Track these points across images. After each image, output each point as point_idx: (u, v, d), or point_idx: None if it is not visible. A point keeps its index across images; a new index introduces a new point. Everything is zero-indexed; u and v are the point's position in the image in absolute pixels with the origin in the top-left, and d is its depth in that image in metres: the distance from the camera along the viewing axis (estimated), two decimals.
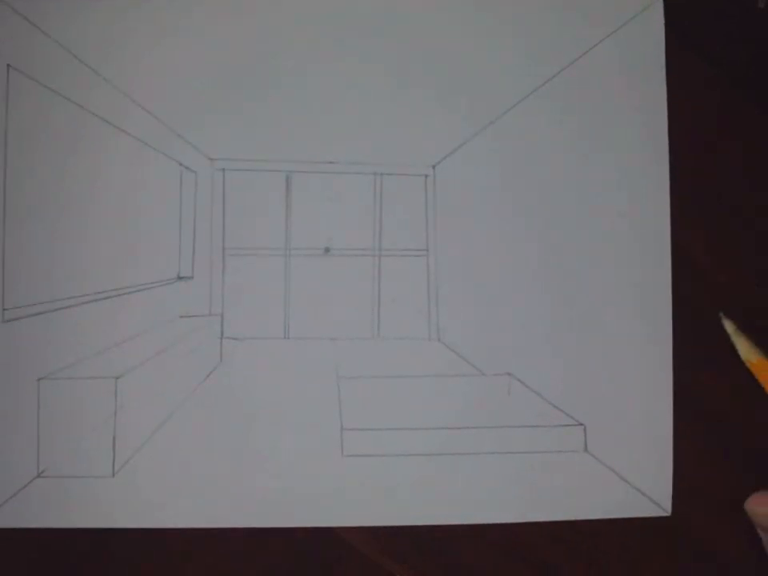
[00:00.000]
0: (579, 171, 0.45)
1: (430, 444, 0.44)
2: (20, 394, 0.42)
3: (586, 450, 0.44)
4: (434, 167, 0.46)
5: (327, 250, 0.45)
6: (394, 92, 0.45)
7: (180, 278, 0.47)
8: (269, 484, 0.43)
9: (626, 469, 0.43)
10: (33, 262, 0.43)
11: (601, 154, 0.45)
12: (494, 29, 0.46)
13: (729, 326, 0.38)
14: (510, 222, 0.46)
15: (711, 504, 0.43)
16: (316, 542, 0.43)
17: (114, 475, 0.42)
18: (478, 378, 0.45)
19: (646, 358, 0.44)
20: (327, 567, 0.43)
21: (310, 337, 0.46)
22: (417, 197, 0.46)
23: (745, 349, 0.37)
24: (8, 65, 0.42)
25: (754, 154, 0.44)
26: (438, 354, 0.46)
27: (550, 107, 0.46)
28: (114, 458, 0.42)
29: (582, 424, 0.44)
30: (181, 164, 0.46)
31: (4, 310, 0.42)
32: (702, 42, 0.46)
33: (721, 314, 0.37)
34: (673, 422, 0.44)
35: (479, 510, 0.43)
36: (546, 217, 0.45)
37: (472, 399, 0.45)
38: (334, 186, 0.45)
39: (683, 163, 0.45)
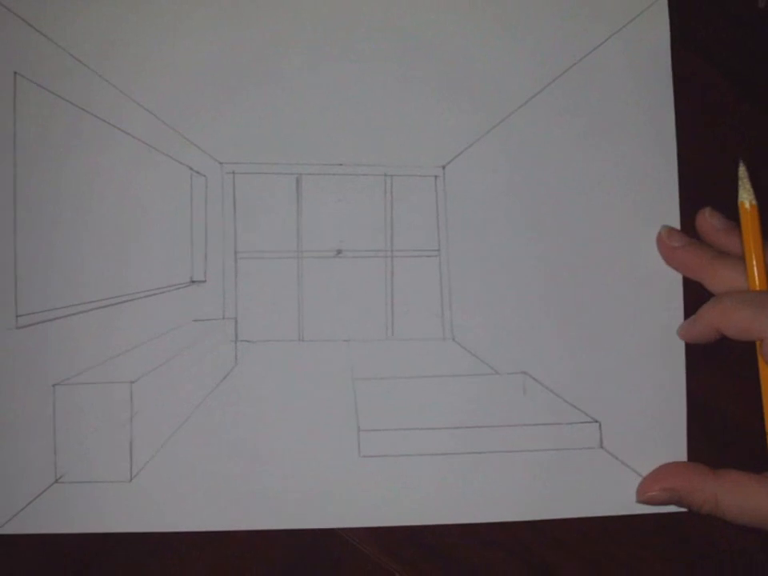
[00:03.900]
0: (590, 169, 0.45)
1: (446, 443, 0.44)
2: (36, 400, 0.42)
3: (601, 446, 0.44)
4: (443, 167, 0.46)
5: (339, 251, 0.45)
6: (403, 93, 0.45)
7: (193, 281, 0.47)
8: (285, 486, 0.43)
9: (641, 465, 0.43)
10: (45, 268, 0.43)
11: (612, 151, 0.45)
12: (501, 27, 0.46)
13: (741, 171, 0.40)
14: (521, 220, 0.46)
15: None
16: (317, 542, 0.43)
17: (131, 480, 0.42)
18: (493, 377, 0.45)
19: (659, 355, 0.44)
20: (327, 567, 0.43)
21: (324, 339, 0.46)
22: (427, 197, 0.46)
23: (746, 193, 0.40)
24: (15, 72, 0.42)
25: (755, 155, 0.44)
26: (453, 354, 0.46)
27: (559, 105, 0.45)
28: (131, 463, 0.42)
29: (597, 421, 0.44)
30: (191, 168, 0.46)
31: (18, 316, 0.42)
32: (702, 41, 0.46)
33: (740, 159, 0.40)
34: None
35: (497, 508, 0.43)
36: (556, 215, 0.45)
37: (487, 398, 0.45)
38: (345, 187, 0.45)
39: (684, 163, 0.45)
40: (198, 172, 0.46)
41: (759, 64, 0.47)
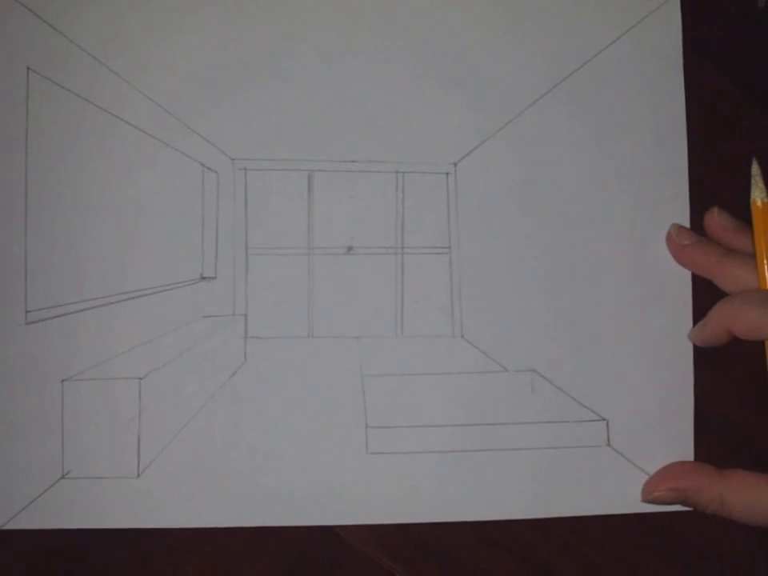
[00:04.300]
0: (600, 168, 0.46)
1: (455, 441, 0.44)
2: (44, 395, 0.42)
3: (608, 444, 0.44)
4: (455, 165, 0.46)
5: (350, 248, 0.45)
6: (414, 90, 0.45)
7: (203, 278, 0.47)
8: (293, 483, 0.43)
9: (648, 463, 0.43)
10: (55, 264, 0.43)
11: (623, 150, 0.46)
12: (512, 26, 0.46)
13: (754, 168, 0.41)
14: (531, 219, 0.46)
15: None
16: (317, 542, 0.43)
17: (138, 476, 0.42)
18: (502, 375, 0.45)
19: (667, 354, 0.44)
20: (327, 567, 0.43)
21: (334, 335, 0.46)
22: (438, 194, 0.46)
23: (759, 191, 0.40)
24: (27, 67, 0.42)
25: (756, 155, 0.44)
26: (462, 351, 0.46)
27: (571, 103, 0.46)
28: (139, 459, 0.42)
29: (604, 419, 0.44)
30: (202, 164, 0.46)
31: (27, 312, 0.42)
32: (701, 41, 0.47)
33: (753, 157, 0.40)
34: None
35: (504, 506, 0.44)
36: (566, 214, 0.46)
37: (495, 395, 0.45)
38: (356, 184, 0.45)
39: (694, 163, 0.45)
40: (209, 168, 0.46)
41: (759, 63, 0.47)
